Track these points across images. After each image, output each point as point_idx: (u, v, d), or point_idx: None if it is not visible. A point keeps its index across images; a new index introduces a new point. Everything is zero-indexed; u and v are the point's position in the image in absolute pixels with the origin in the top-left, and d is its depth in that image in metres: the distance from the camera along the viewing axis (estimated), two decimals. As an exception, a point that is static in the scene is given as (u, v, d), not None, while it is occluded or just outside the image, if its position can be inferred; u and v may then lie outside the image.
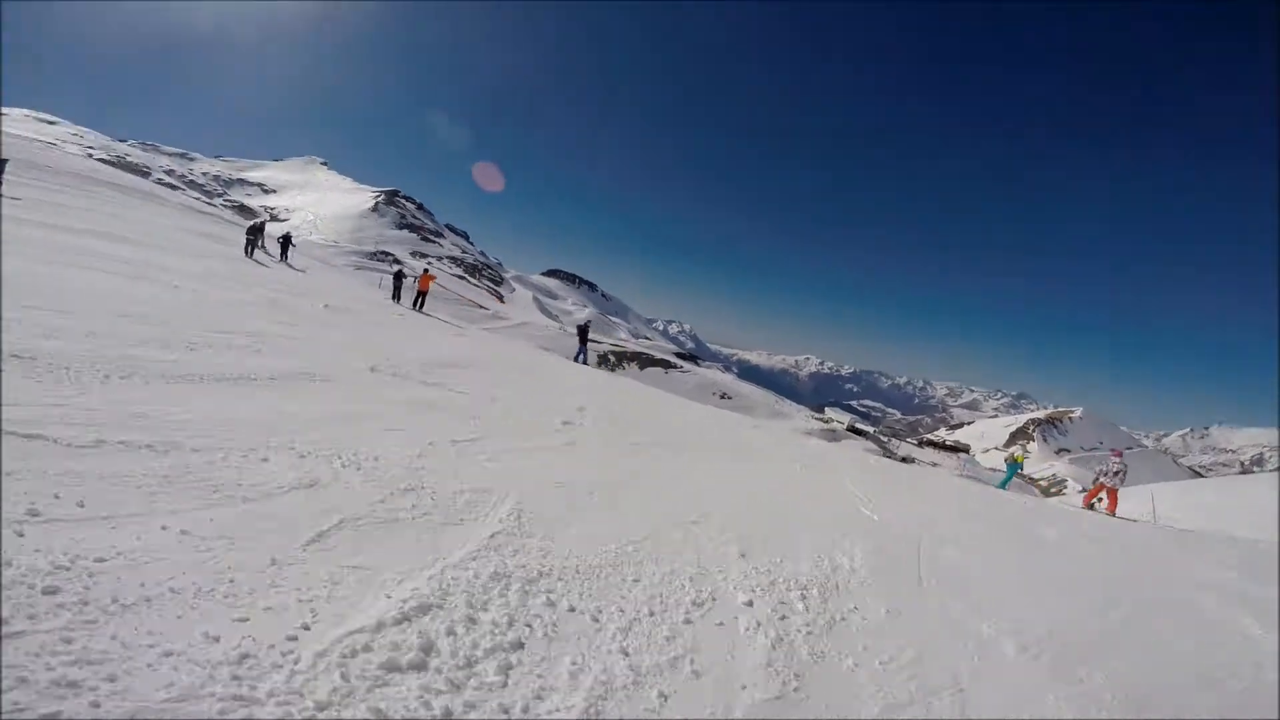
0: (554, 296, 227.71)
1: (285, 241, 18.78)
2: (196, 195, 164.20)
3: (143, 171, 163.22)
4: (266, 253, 17.60)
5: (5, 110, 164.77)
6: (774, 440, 9.11)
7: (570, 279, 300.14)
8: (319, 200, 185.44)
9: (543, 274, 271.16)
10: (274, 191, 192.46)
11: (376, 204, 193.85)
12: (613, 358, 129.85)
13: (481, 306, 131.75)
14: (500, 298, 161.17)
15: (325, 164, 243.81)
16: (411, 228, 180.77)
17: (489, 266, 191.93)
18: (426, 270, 17.52)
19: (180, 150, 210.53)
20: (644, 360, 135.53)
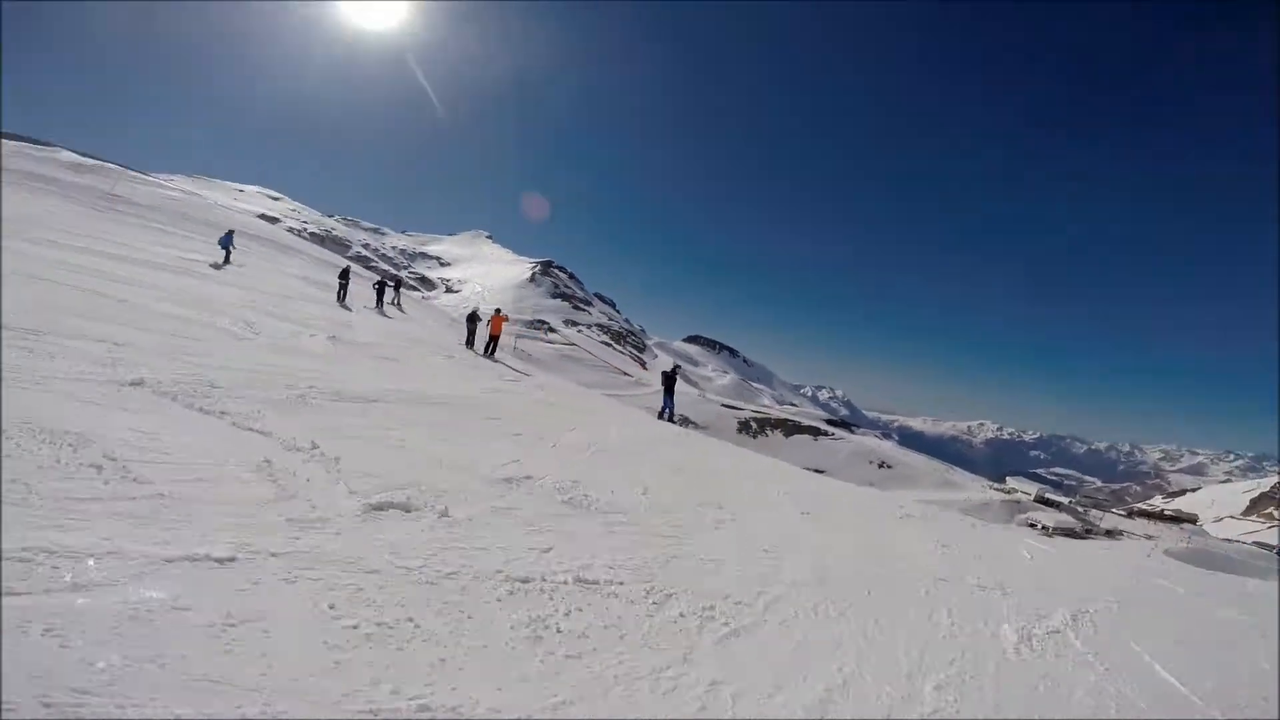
0: (695, 363, 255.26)
1: (380, 288, 19.85)
2: (387, 267, 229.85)
3: (344, 245, 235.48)
4: (382, 309, 19.27)
5: (243, 187, 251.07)
6: (933, 539, 7.29)
7: (711, 345, 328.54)
8: (485, 272, 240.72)
9: (684, 340, 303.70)
10: (449, 265, 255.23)
11: (533, 275, 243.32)
12: (754, 424, 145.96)
13: (625, 373, 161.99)
14: (643, 364, 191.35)
15: (490, 237, 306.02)
16: (564, 296, 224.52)
17: (633, 333, 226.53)
18: (499, 311, 17.39)
19: (375, 226, 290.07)
20: (789, 427, 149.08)
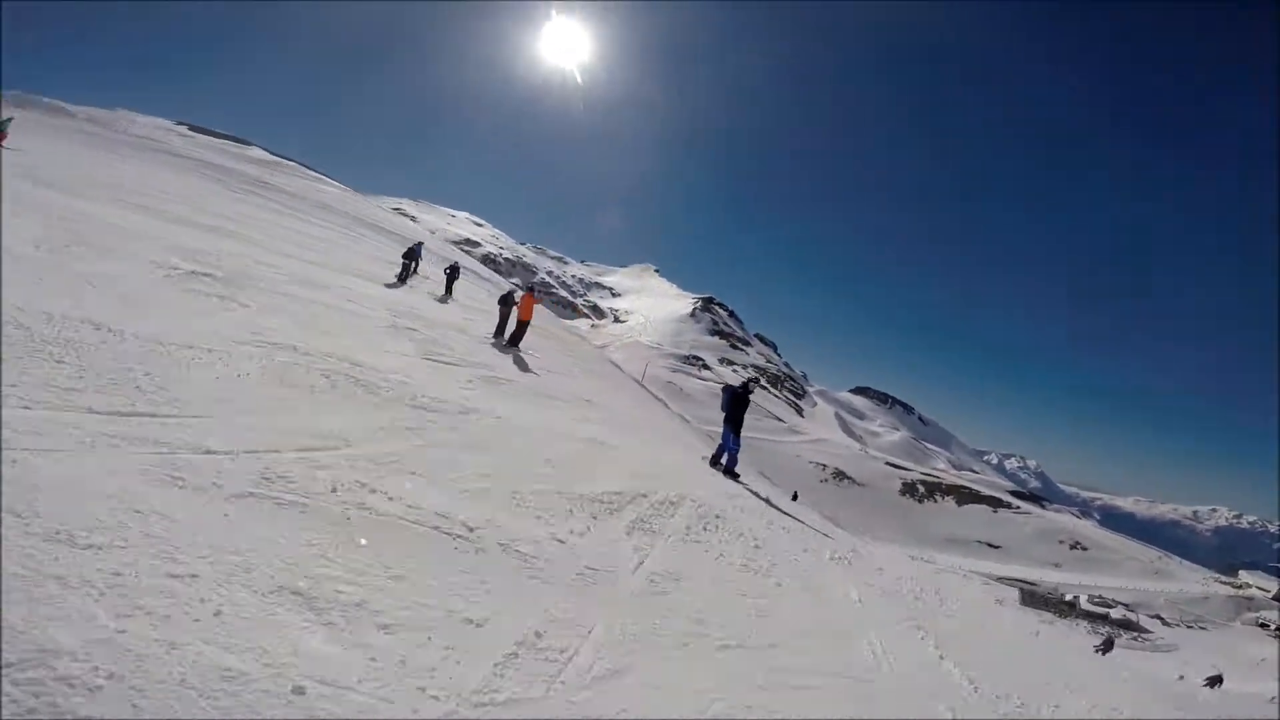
0: (860, 416, 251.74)
1: (452, 273, 18.15)
2: (566, 294, 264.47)
3: (531, 270, 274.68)
4: (447, 297, 16.82)
5: (454, 212, 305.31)
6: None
7: (881, 398, 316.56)
8: (651, 305, 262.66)
9: (850, 391, 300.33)
10: (619, 295, 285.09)
11: (694, 310, 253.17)
12: (922, 487, 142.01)
13: (778, 419, 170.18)
14: (799, 411, 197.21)
15: (657, 270, 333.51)
16: (722, 334, 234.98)
17: (791, 378, 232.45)
18: (531, 290, 14.70)
19: (559, 255, 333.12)
20: (965, 494, 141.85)
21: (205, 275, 7.55)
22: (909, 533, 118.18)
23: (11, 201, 7.71)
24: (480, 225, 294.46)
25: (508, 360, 11.26)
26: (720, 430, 9.73)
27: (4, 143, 16.05)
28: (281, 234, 16.01)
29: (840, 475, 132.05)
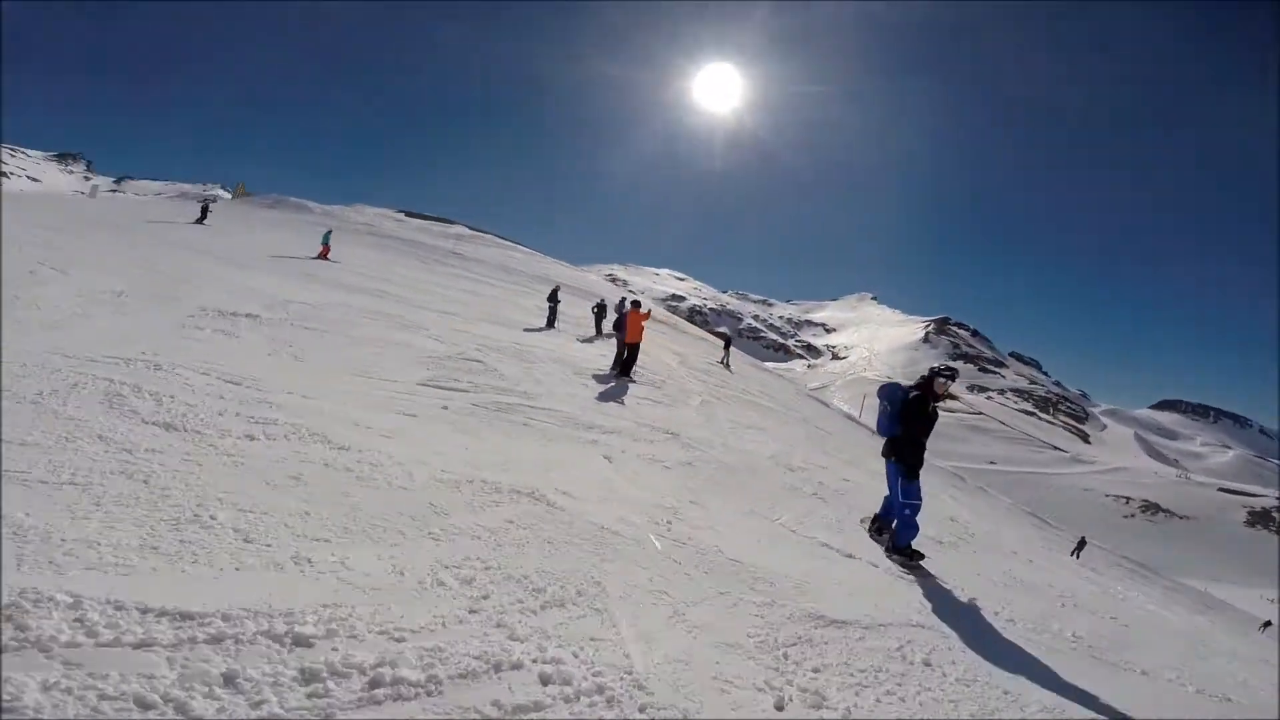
0: (1171, 435, 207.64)
1: (600, 312, 17.13)
2: (775, 336, 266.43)
3: (737, 317, 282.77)
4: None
5: (658, 270, 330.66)
6: None
7: (1199, 411, 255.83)
8: (872, 335, 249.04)
9: (1152, 407, 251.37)
10: (834, 330, 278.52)
11: (927, 334, 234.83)
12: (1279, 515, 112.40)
13: (1055, 448, 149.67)
14: (1084, 436, 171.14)
15: (875, 298, 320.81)
16: (966, 357, 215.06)
17: (1067, 399, 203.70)
18: (637, 305, 12.53)
19: (762, 297, 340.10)
20: None
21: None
22: (1264, 574, 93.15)
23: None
24: (682, 279, 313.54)
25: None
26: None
27: (328, 255, 19.88)
28: (440, 291, 17.64)
29: (1151, 508, 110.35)
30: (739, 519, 5.07)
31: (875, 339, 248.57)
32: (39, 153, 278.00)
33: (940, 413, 5.00)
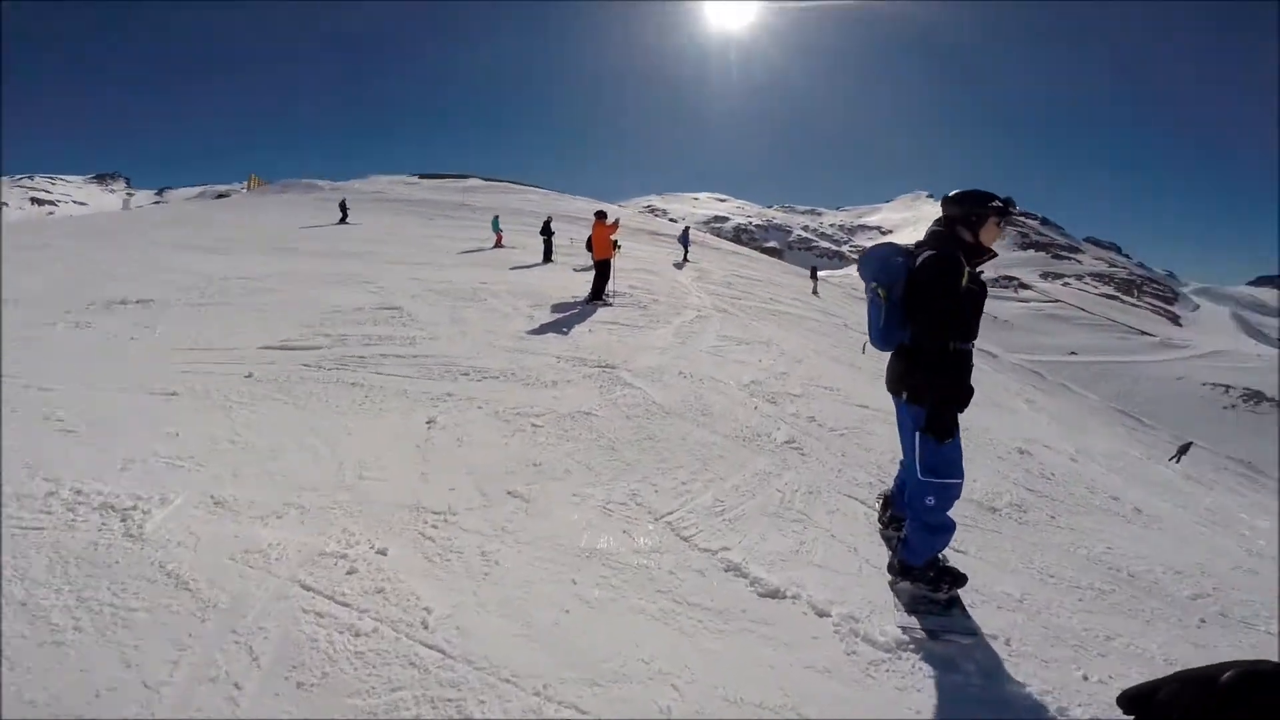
0: (1273, 313, 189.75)
1: (545, 232, 15.60)
2: (829, 245, 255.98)
3: (785, 230, 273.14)
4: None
5: (696, 195, 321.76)
6: None
7: None
8: None
9: (1249, 283, 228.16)
10: (890, 232, 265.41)
11: None
12: None
13: (1143, 333, 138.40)
14: (1174, 319, 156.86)
15: (930, 195, 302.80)
16: (1037, 246, 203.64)
17: (1153, 281, 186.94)
18: (601, 215, 10.81)
19: (810, 208, 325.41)
20: None
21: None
22: None
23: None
24: (723, 200, 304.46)
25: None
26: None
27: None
28: (431, 243, 16.71)
29: (1254, 396, 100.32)
30: (564, 526, 2.82)
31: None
32: (78, 176, 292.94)
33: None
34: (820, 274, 26.02)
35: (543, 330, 6.97)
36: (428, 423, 3.78)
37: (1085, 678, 2.30)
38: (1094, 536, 4.10)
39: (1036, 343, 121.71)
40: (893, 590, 2.60)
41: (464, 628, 2.05)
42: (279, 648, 1.86)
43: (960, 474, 2.42)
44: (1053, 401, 19.16)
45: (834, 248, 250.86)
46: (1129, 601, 3.16)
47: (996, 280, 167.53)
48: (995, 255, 2.48)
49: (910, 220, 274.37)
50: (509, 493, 3.02)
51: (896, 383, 2.48)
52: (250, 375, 4.69)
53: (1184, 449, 15.88)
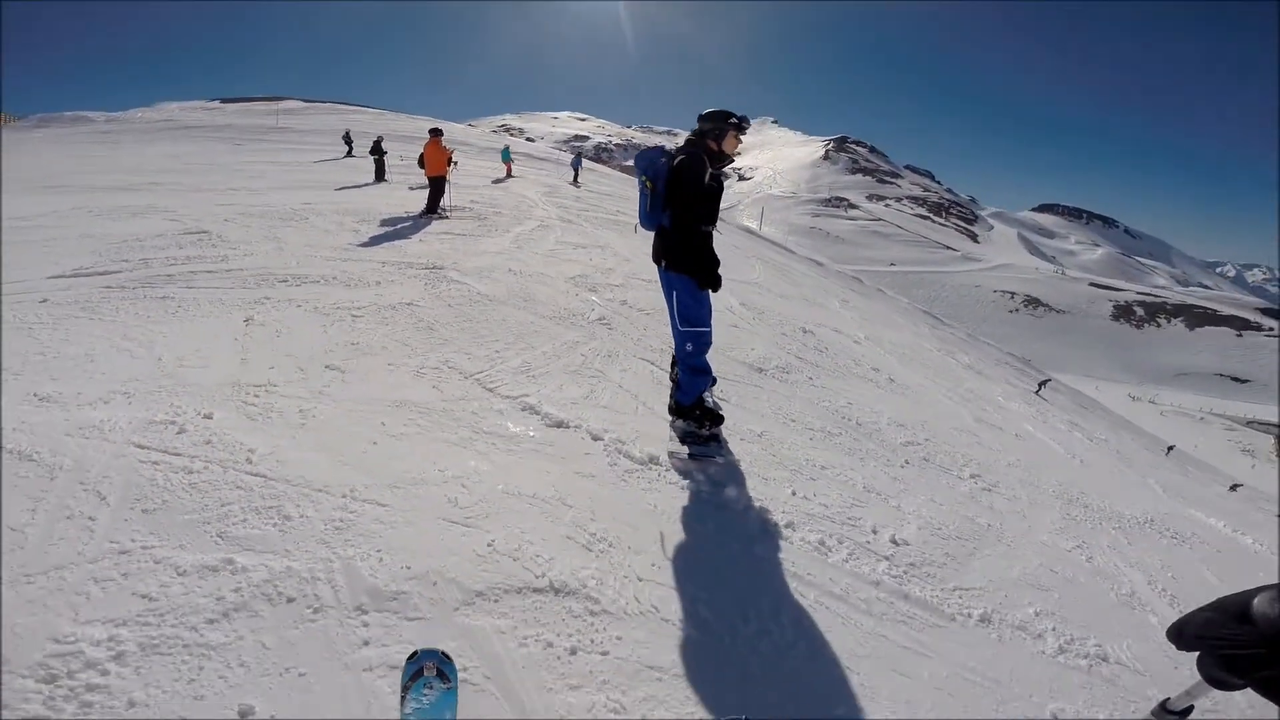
0: (1049, 234, 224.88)
1: (376, 151, 14.92)
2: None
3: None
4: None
5: (556, 114, 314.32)
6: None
7: (1074, 214, 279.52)
8: (774, 157, 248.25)
9: (1032, 210, 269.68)
10: (740, 154, 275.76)
11: (827, 152, 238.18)
12: (1139, 309, 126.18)
13: (948, 247, 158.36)
14: (973, 237, 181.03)
15: (776, 121, 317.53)
16: (865, 171, 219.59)
17: (958, 204, 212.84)
18: (436, 132, 10.36)
19: (667, 129, 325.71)
20: (1196, 316, 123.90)
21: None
22: (1126, 366, 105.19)
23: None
24: (584, 119, 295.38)
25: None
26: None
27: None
28: (240, 169, 14.14)
29: (1033, 302, 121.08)
30: (378, 387, 3.18)
31: (778, 159, 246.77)
32: None
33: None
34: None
35: (370, 243, 6.74)
36: (245, 320, 3.79)
37: (793, 494, 3.03)
38: (841, 395, 5.06)
39: (861, 255, 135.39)
40: (671, 427, 3.25)
41: (283, 460, 2.36)
42: (123, 490, 2.08)
43: (708, 325, 3.10)
44: (867, 303, 21.86)
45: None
46: (850, 442, 4.05)
47: (830, 200, 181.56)
48: (733, 161, 3.09)
49: (758, 144, 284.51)
50: (326, 366, 3.27)
51: (658, 254, 3.08)
52: (45, 300, 4.33)
53: (1043, 383, 18.64)
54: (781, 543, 2.64)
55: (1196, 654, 0.83)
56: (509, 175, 18.88)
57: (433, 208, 9.52)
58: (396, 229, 7.75)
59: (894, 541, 2.91)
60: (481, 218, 9.59)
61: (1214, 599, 0.81)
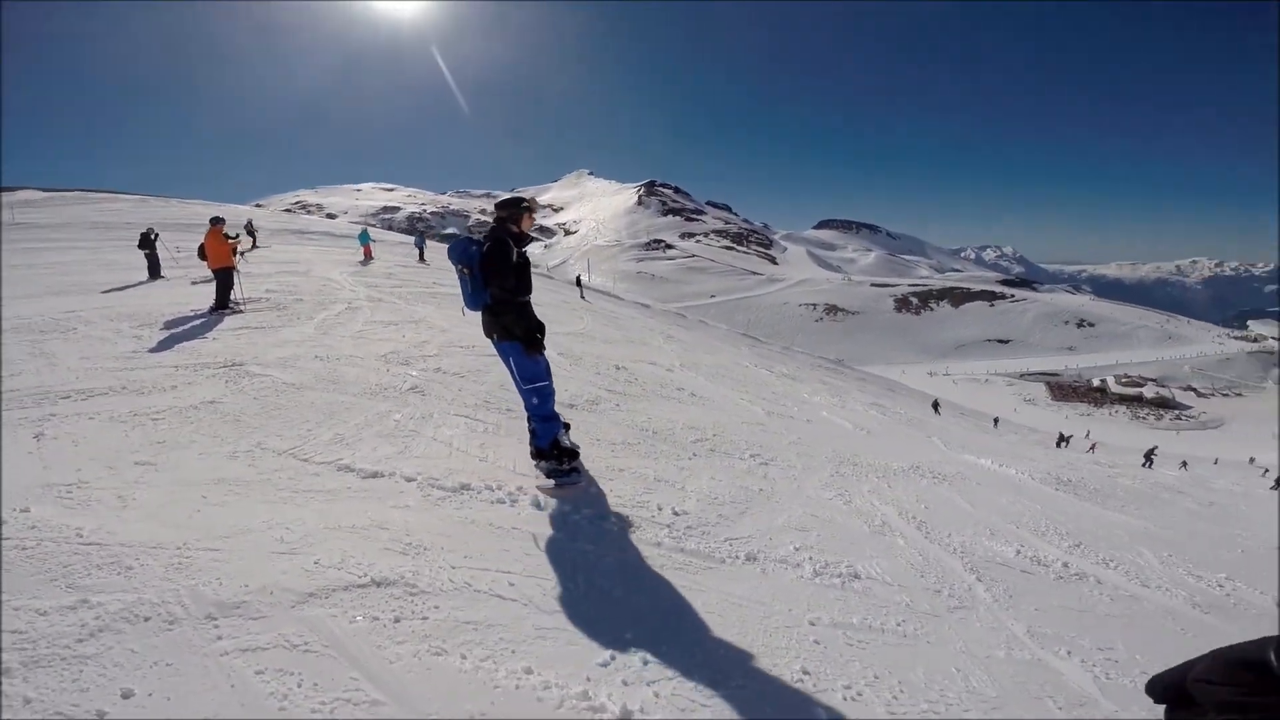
0: (831, 247, 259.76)
1: (145, 243, 13.41)
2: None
3: (464, 215, 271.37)
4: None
5: (358, 186, 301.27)
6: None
7: (846, 225, 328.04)
8: (595, 208, 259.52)
9: (815, 227, 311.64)
10: (561, 209, 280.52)
11: (639, 198, 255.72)
12: (914, 299, 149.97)
13: (754, 273, 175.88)
14: (773, 260, 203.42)
15: (591, 173, 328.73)
16: (674, 211, 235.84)
17: (755, 232, 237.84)
18: (216, 220, 10.10)
19: (485, 191, 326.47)
20: (957, 295, 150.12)
21: None
22: (918, 348, 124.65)
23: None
24: (391, 189, 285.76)
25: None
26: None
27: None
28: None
29: (832, 309, 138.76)
30: (192, 471, 3.47)
31: (598, 209, 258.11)
32: None
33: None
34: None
35: (157, 347, 6.35)
36: (35, 437, 3.71)
37: (592, 492, 3.72)
38: (643, 414, 6.01)
39: (684, 290, 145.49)
40: (536, 468, 3.77)
41: (113, 532, 2.63)
42: None
43: (548, 376, 3.65)
44: (690, 334, 23.86)
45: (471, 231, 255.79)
46: (644, 446, 4.95)
47: (649, 244, 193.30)
48: (533, 240, 3.75)
49: (577, 197, 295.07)
50: (136, 463, 3.41)
51: (489, 329, 3.60)
52: None
53: (935, 405, 19.89)
54: (576, 528, 3.22)
55: (1165, 707, 0.83)
56: (368, 258, 18.58)
57: (223, 302, 9.00)
58: (185, 329, 7.37)
59: (675, 513, 3.63)
60: (281, 307, 9.31)
61: (1198, 654, 0.80)
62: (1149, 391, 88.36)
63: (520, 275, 3.52)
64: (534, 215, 3.70)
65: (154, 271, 13.19)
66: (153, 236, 13.75)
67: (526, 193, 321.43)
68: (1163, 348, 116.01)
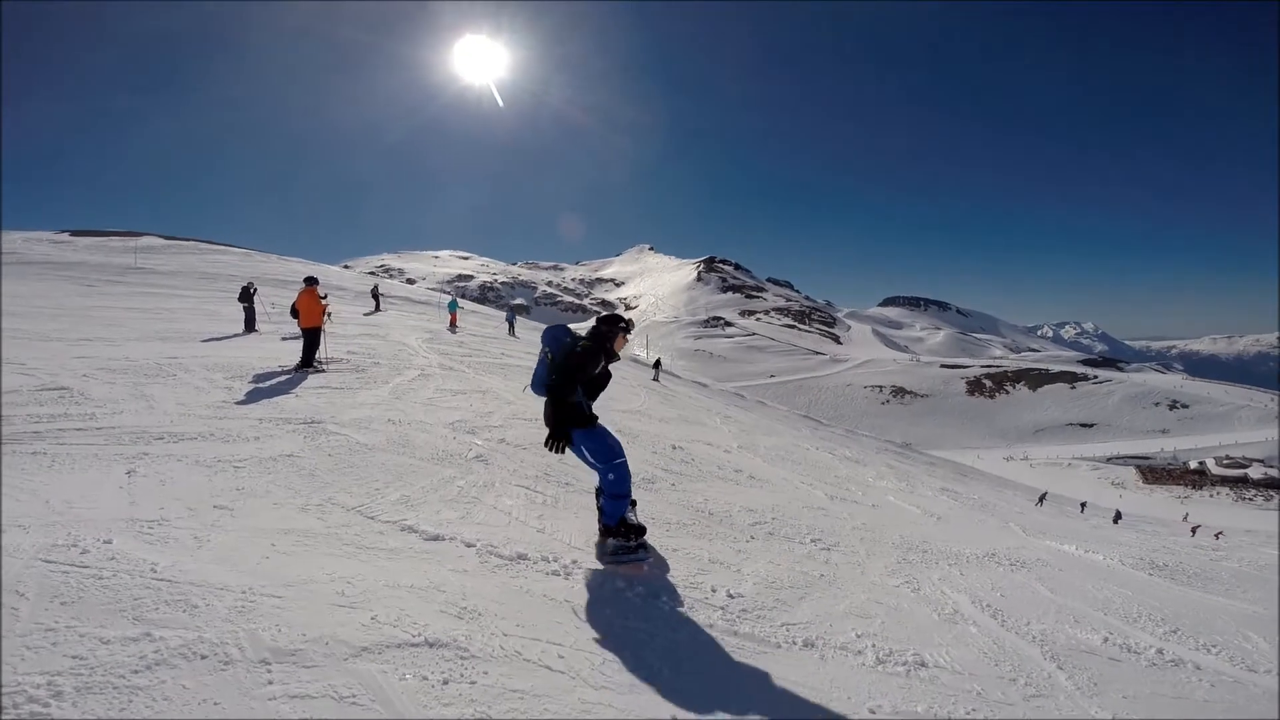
0: (897, 326, 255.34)
1: (245, 298, 14.34)
2: (571, 299, 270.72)
3: (531, 287, 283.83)
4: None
5: (437, 253, 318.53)
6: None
7: (913, 303, 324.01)
8: (655, 283, 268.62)
9: (879, 305, 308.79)
10: (622, 284, 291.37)
11: (698, 274, 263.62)
12: (988, 381, 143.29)
13: (817, 353, 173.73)
14: (836, 339, 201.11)
15: (653, 248, 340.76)
16: (734, 288, 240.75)
17: (818, 309, 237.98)
18: (311, 281, 10.75)
19: (553, 263, 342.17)
20: (1035, 378, 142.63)
21: None
22: (993, 433, 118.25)
23: None
24: (467, 258, 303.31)
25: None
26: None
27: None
28: (97, 314, 13.46)
29: (900, 391, 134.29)
30: (265, 519, 3.62)
31: (658, 285, 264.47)
32: None
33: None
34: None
35: (245, 400, 6.86)
36: (127, 473, 4.02)
37: (646, 570, 3.65)
38: (698, 494, 5.99)
39: (743, 370, 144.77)
40: (601, 546, 3.75)
41: (185, 570, 2.74)
42: (38, 590, 2.42)
43: (622, 454, 3.61)
44: (748, 415, 23.71)
45: (576, 301, 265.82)
46: (700, 527, 4.90)
47: (708, 321, 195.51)
48: (619, 359, 3.82)
49: (638, 272, 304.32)
50: (214, 506, 3.61)
51: (551, 417, 3.56)
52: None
53: (1042, 497, 19.40)
54: (628, 605, 3.19)
55: None
56: (454, 325, 20.08)
57: (308, 361, 9.40)
58: (271, 384, 7.86)
59: (730, 595, 3.53)
60: (359, 369, 9.87)
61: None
62: (1255, 472, 79.57)
63: (590, 385, 3.65)
64: (628, 337, 3.78)
65: (249, 325, 14.14)
66: (252, 291, 14.82)
67: (592, 266, 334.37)
68: (1268, 427, 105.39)
